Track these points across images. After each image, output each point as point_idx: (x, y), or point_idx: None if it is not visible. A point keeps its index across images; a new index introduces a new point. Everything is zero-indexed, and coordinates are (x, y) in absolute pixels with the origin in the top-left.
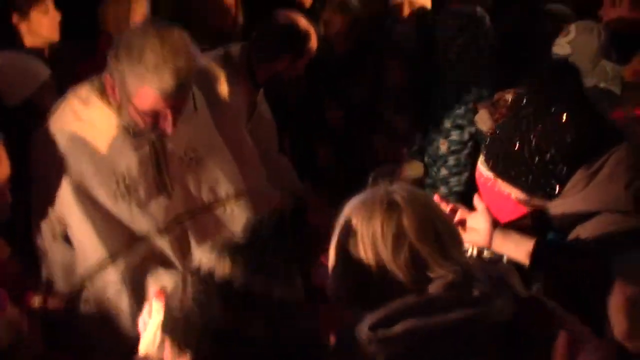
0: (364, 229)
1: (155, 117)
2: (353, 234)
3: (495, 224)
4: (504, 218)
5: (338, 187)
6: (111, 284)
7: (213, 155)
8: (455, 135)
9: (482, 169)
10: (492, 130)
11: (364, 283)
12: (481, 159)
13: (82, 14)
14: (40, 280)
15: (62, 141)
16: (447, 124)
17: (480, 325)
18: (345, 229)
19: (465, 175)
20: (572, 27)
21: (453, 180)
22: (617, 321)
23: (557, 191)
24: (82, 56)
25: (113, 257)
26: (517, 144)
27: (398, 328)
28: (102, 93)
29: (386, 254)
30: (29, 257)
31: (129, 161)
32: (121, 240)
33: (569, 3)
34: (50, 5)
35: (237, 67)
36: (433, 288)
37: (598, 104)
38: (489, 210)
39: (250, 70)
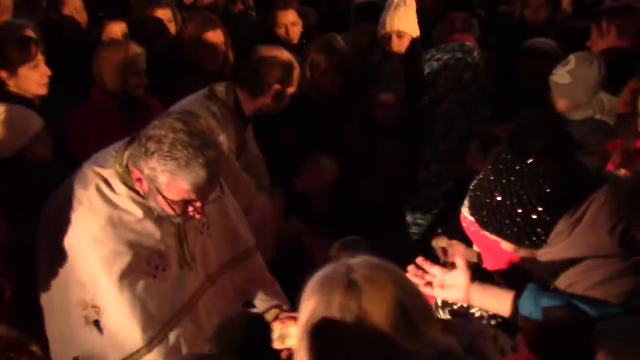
0: (323, 313)
1: (185, 206)
2: (313, 317)
3: (474, 279)
4: (502, 263)
5: (333, 229)
6: None
7: (222, 215)
8: (434, 168)
9: (467, 214)
10: (477, 177)
11: None
12: (465, 204)
13: (72, 60)
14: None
15: (96, 226)
16: (429, 155)
17: None
18: (305, 310)
19: (435, 211)
20: (572, 58)
21: (417, 214)
22: None
23: (543, 240)
24: (74, 104)
25: (150, 344)
26: (499, 196)
27: None
28: (124, 177)
29: (347, 342)
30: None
31: (157, 242)
32: (157, 324)
33: (553, 36)
34: (41, 62)
35: (224, 104)
36: None
37: (592, 134)
38: (467, 267)
39: (237, 107)
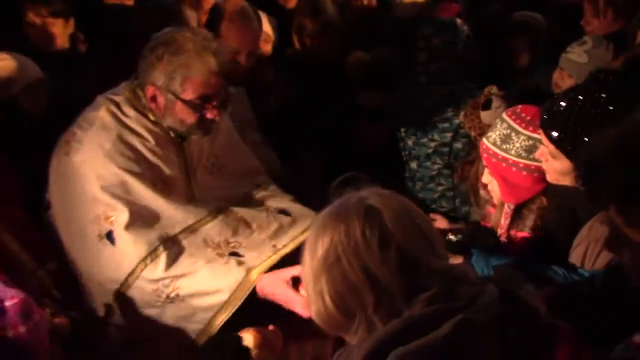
0: (344, 241)
1: (203, 107)
2: (332, 250)
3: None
4: (519, 197)
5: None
6: (150, 282)
7: (233, 156)
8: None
9: (494, 148)
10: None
11: (352, 305)
12: (491, 139)
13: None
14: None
15: (108, 141)
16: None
17: (469, 332)
18: (322, 247)
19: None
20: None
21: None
22: None
23: None
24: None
25: (154, 252)
26: (584, 115)
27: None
28: (134, 102)
29: (374, 262)
30: None
31: (163, 168)
32: (159, 236)
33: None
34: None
35: None
36: (417, 305)
37: None
38: None
39: None
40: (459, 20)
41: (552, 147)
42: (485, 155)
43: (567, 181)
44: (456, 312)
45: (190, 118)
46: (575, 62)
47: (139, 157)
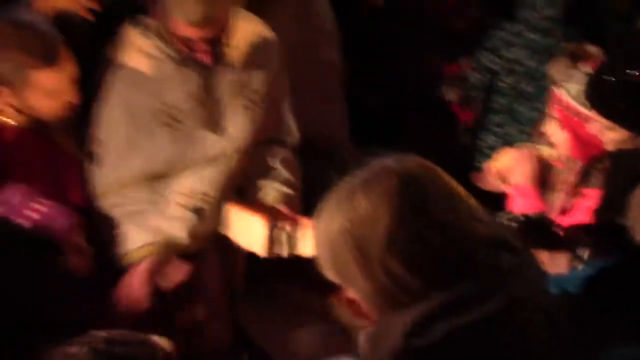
0: (382, 215)
1: (192, 45)
2: (367, 221)
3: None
4: (588, 154)
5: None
6: (116, 207)
7: (273, 103)
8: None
9: (570, 100)
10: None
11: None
12: (574, 94)
13: None
14: None
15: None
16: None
17: (514, 310)
18: (353, 220)
19: None
20: None
21: None
22: None
23: None
24: None
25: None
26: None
27: (437, 334)
28: (159, 27)
29: (420, 250)
30: None
31: (177, 94)
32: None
33: None
34: None
35: None
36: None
37: None
38: None
39: None
40: None
41: (605, 120)
42: (557, 106)
43: (628, 146)
44: (500, 286)
45: (183, 50)
46: None
47: (145, 86)
